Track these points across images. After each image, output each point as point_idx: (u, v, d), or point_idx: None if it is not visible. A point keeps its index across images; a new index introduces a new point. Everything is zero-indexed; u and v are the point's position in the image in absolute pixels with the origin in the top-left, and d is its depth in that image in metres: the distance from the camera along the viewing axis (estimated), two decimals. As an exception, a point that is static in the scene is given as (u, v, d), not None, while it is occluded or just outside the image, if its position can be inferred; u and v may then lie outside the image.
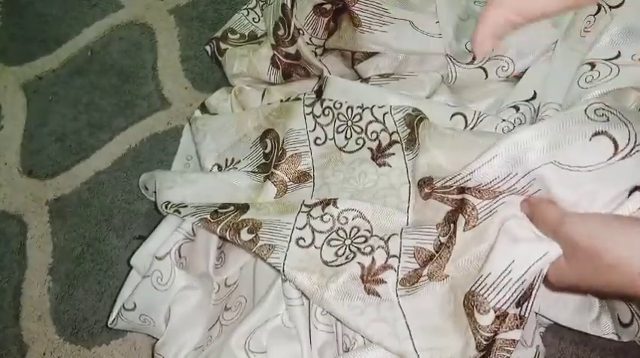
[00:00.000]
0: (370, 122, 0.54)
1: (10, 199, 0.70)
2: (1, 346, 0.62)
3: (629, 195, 0.37)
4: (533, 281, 0.39)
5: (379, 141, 0.54)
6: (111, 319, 0.53)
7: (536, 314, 0.50)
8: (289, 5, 0.62)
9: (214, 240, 0.55)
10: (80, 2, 0.84)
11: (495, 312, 0.39)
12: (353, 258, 0.47)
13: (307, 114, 0.57)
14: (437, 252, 0.45)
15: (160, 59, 0.77)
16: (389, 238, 0.48)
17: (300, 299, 0.49)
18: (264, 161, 0.61)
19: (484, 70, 0.58)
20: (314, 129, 0.57)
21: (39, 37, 0.82)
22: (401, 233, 0.48)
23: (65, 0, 0.84)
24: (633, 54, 0.50)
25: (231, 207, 0.52)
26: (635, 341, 0.47)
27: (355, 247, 0.48)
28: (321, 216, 0.50)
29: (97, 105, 0.75)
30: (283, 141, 0.57)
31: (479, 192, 0.43)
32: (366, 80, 0.61)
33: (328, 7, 0.62)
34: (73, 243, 0.66)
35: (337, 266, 0.47)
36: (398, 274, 0.46)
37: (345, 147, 0.56)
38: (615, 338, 0.48)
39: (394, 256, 0.46)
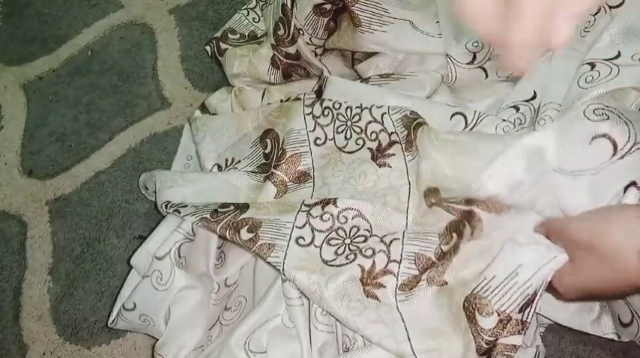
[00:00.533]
0: (369, 122, 0.54)
1: (10, 199, 0.71)
2: (1, 346, 0.62)
3: (625, 190, 0.37)
4: (539, 286, 0.39)
5: (379, 141, 0.54)
6: (111, 319, 0.53)
7: (537, 314, 0.50)
8: (289, 5, 0.62)
9: (214, 240, 0.55)
10: (80, 2, 0.84)
11: (499, 315, 0.39)
12: (354, 259, 0.47)
13: (307, 114, 0.57)
14: (438, 260, 0.45)
15: (160, 59, 0.77)
16: (391, 242, 0.48)
17: (300, 299, 0.49)
18: (264, 161, 0.61)
19: (484, 70, 0.58)
20: (314, 130, 0.57)
21: (39, 37, 0.82)
22: (403, 238, 0.48)
23: (65, 0, 0.84)
24: (633, 54, 0.50)
25: (231, 207, 0.52)
26: (635, 341, 0.47)
27: (355, 246, 0.48)
28: (321, 216, 0.50)
29: (97, 105, 0.75)
30: (283, 142, 0.57)
31: (486, 205, 0.43)
32: (366, 80, 0.61)
33: (328, 7, 0.62)
34: (73, 243, 0.66)
35: (337, 266, 0.47)
36: (397, 279, 0.46)
37: (345, 147, 0.56)
38: (615, 338, 0.48)
39: (395, 261, 0.46)
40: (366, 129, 0.54)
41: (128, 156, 0.71)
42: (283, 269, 0.47)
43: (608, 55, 0.51)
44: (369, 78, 0.61)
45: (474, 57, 0.58)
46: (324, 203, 0.50)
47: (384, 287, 0.45)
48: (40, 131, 0.75)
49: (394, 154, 0.52)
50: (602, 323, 0.48)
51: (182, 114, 0.73)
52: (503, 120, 0.52)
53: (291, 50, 0.64)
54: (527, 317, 0.39)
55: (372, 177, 0.53)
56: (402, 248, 0.47)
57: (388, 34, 0.59)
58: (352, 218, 0.50)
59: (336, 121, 0.56)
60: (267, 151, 0.60)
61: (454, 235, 0.45)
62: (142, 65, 0.77)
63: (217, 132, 0.64)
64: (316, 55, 0.66)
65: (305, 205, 0.51)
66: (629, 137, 0.36)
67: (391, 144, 0.53)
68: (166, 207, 0.54)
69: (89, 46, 0.80)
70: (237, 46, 0.71)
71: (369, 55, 0.62)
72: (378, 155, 0.54)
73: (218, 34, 0.72)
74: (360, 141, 0.55)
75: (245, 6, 0.74)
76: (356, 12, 0.59)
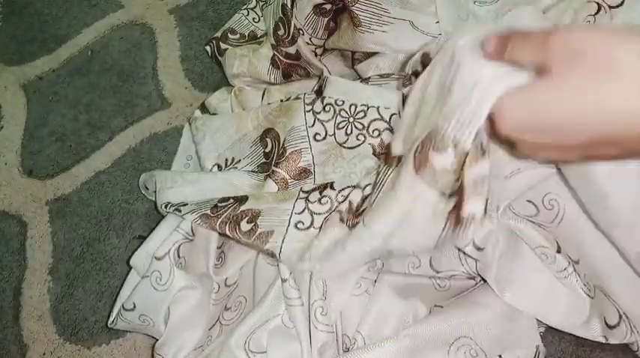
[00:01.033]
0: (374, 120, 0.54)
1: (10, 199, 0.71)
2: (1, 346, 0.62)
3: None
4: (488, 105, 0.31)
5: (381, 139, 0.54)
6: (111, 319, 0.53)
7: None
8: (289, 5, 0.62)
9: (214, 239, 0.55)
10: (80, 2, 0.84)
11: (455, 147, 0.34)
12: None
13: (307, 111, 0.58)
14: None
15: (160, 59, 0.77)
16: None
17: (299, 299, 0.49)
18: (264, 160, 0.61)
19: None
20: (313, 125, 0.57)
21: (39, 37, 0.82)
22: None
23: (65, 0, 0.84)
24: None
25: (231, 200, 0.52)
26: (629, 346, 0.47)
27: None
28: (319, 199, 0.50)
29: (97, 105, 0.75)
30: (285, 140, 0.57)
31: None
32: (366, 80, 0.61)
33: (328, 7, 0.62)
34: (73, 243, 0.66)
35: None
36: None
37: (345, 143, 0.56)
38: (604, 340, 0.47)
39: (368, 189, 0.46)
40: (368, 127, 0.54)
41: (128, 156, 0.71)
42: (280, 252, 0.47)
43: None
44: (369, 78, 0.61)
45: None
46: (322, 188, 0.51)
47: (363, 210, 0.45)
48: (40, 131, 0.75)
49: None
50: (591, 325, 0.48)
51: (182, 114, 0.73)
52: None
53: (291, 50, 0.64)
54: (482, 141, 0.34)
55: (373, 171, 0.53)
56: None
57: (388, 34, 0.60)
58: (349, 194, 0.50)
59: (338, 117, 0.56)
60: (267, 150, 0.60)
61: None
62: (142, 65, 0.77)
63: (217, 131, 0.64)
64: (316, 55, 0.66)
65: (303, 192, 0.52)
66: None
67: None
68: (166, 208, 0.54)
69: (89, 46, 0.80)
70: (237, 46, 0.71)
71: (369, 55, 0.62)
72: (380, 151, 0.54)
73: (218, 34, 0.72)
74: (362, 137, 0.55)
75: (245, 6, 0.74)
76: (356, 12, 0.59)
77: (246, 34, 0.72)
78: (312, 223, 0.49)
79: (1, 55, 0.81)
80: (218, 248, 0.57)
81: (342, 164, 0.55)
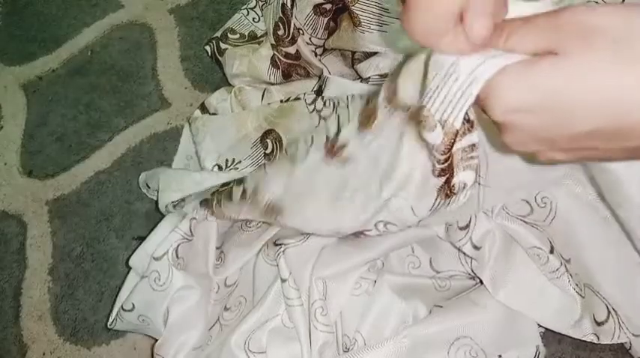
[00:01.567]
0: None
1: (10, 199, 0.71)
2: (1, 346, 0.62)
3: None
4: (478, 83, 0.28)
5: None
6: (110, 320, 0.53)
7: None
8: (289, 5, 0.62)
9: (213, 240, 0.55)
10: (80, 2, 0.84)
11: (442, 127, 0.32)
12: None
13: (311, 112, 0.57)
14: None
15: (159, 59, 0.77)
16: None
17: (299, 300, 0.49)
18: (265, 162, 0.61)
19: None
20: (318, 125, 0.57)
21: (39, 37, 0.82)
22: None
23: (65, 0, 0.84)
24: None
25: (231, 184, 0.52)
26: (624, 345, 0.47)
27: None
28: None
29: (97, 105, 0.75)
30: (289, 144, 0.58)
31: None
32: (366, 80, 0.61)
33: (328, 7, 0.62)
34: (73, 243, 0.66)
35: None
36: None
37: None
38: (595, 339, 0.47)
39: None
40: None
41: (128, 156, 0.71)
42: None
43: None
44: (369, 78, 0.61)
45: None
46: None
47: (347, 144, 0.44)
48: (40, 131, 0.75)
49: None
50: (582, 325, 0.48)
51: (182, 114, 0.73)
52: None
53: (291, 50, 0.64)
54: (468, 116, 0.32)
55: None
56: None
57: (388, 34, 0.59)
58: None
59: (337, 109, 0.56)
60: (268, 151, 0.60)
61: None
62: (141, 65, 0.77)
63: (217, 132, 0.64)
64: (316, 54, 0.66)
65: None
66: None
67: None
68: (167, 208, 0.54)
69: (89, 46, 0.80)
70: (237, 45, 0.71)
71: (369, 55, 0.62)
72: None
73: (218, 34, 0.72)
74: None
75: (245, 6, 0.74)
76: (356, 12, 0.59)
77: (246, 34, 0.72)
78: None
79: (1, 55, 0.81)
80: (217, 248, 0.57)
81: None
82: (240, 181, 0.51)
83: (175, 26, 0.79)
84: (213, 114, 0.69)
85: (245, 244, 0.56)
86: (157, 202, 0.67)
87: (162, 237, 0.52)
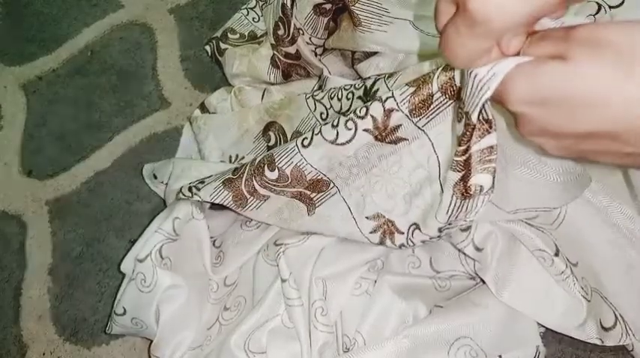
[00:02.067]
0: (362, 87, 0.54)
1: (10, 199, 0.71)
2: (1, 346, 0.62)
3: None
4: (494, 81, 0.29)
5: (365, 86, 0.53)
6: (108, 326, 0.54)
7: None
8: (289, 5, 0.62)
9: (206, 238, 0.55)
10: (80, 2, 0.84)
11: (465, 118, 0.34)
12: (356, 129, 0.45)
13: (307, 98, 0.58)
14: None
15: (159, 59, 0.77)
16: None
17: (299, 300, 0.49)
18: None
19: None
20: (315, 109, 0.57)
21: (39, 37, 0.82)
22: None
23: (65, 0, 0.84)
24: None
25: (249, 161, 0.52)
26: (625, 346, 0.47)
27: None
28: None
29: (97, 105, 0.75)
30: (297, 132, 0.57)
31: None
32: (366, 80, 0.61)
33: (328, 6, 0.62)
34: (73, 243, 0.66)
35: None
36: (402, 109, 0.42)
37: (340, 110, 0.55)
38: (599, 342, 0.47)
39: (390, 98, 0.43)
40: (354, 85, 0.54)
41: (128, 156, 0.71)
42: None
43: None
44: (369, 78, 0.61)
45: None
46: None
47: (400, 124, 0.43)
48: (40, 131, 0.75)
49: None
50: (586, 328, 0.48)
51: (182, 114, 0.73)
52: None
53: (291, 50, 0.64)
54: (487, 115, 0.34)
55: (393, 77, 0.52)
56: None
57: (388, 34, 0.59)
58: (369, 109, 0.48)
59: (331, 90, 0.56)
60: (270, 144, 0.60)
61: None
62: (141, 65, 0.77)
63: (220, 129, 0.64)
64: (316, 54, 0.66)
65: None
66: None
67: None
68: (185, 190, 0.53)
69: (89, 46, 0.80)
70: (237, 45, 0.71)
71: (369, 54, 0.62)
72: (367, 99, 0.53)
73: (218, 34, 0.72)
74: (350, 95, 0.54)
75: (245, 6, 0.74)
76: (356, 12, 0.59)
77: (246, 33, 0.72)
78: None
79: (1, 55, 0.81)
80: (217, 247, 0.57)
81: None
82: (268, 161, 0.49)
83: (175, 26, 0.79)
84: (213, 113, 0.69)
85: (245, 243, 0.56)
86: (156, 202, 0.67)
87: (146, 239, 0.52)
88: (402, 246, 0.48)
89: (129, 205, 0.68)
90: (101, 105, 0.75)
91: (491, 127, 0.34)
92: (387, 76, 0.51)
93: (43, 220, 0.68)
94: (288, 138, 0.60)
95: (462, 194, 0.38)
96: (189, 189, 0.52)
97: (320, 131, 0.46)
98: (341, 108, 0.55)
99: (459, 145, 0.36)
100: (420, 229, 0.46)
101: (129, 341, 0.60)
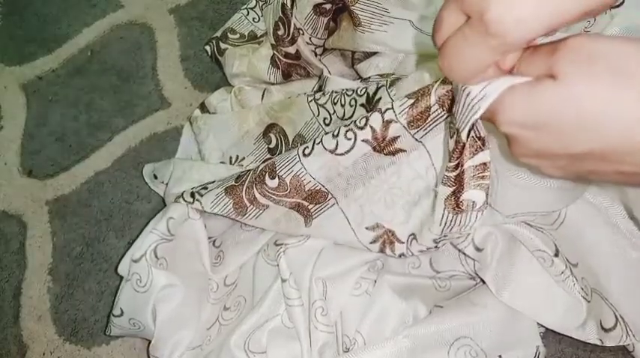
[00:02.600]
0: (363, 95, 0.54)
1: (10, 199, 0.71)
2: (1, 346, 0.62)
3: None
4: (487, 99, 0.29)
5: (367, 94, 0.53)
6: (107, 328, 0.54)
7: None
8: (289, 5, 0.62)
9: (203, 238, 0.55)
10: (80, 2, 0.84)
11: (456, 135, 0.34)
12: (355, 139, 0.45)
13: (310, 101, 0.58)
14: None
15: (159, 59, 0.77)
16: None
17: (299, 300, 0.49)
18: (268, 156, 0.61)
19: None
20: (319, 114, 0.57)
21: (39, 37, 0.82)
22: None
23: (65, 0, 0.84)
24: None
25: (252, 167, 0.52)
26: (626, 346, 0.47)
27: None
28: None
29: (97, 105, 0.75)
30: (299, 136, 0.57)
31: None
32: (366, 80, 0.61)
33: (328, 6, 0.62)
34: (73, 243, 0.66)
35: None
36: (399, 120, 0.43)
37: (343, 116, 0.55)
38: (599, 343, 0.47)
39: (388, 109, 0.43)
40: (356, 91, 0.54)
41: (128, 156, 0.71)
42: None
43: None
44: (369, 78, 0.61)
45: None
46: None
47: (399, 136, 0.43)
48: (40, 131, 0.75)
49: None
50: (586, 328, 0.48)
51: (182, 114, 0.73)
52: None
53: (291, 50, 0.64)
54: (480, 132, 0.34)
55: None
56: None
57: (388, 34, 0.59)
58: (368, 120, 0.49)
59: (333, 93, 0.56)
60: (271, 146, 0.60)
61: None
62: (141, 65, 0.77)
63: (220, 130, 0.64)
64: (316, 54, 0.66)
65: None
66: None
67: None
68: (187, 196, 0.53)
69: (89, 46, 0.80)
70: (237, 45, 0.71)
71: (369, 55, 0.62)
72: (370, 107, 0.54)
73: (218, 34, 0.72)
74: (353, 102, 0.54)
75: (245, 6, 0.74)
76: (356, 12, 0.59)
77: (246, 33, 0.72)
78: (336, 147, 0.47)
79: (1, 55, 0.81)
80: (217, 247, 0.57)
81: None
82: (270, 168, 0.50)
83: (175, 26, 0.79)
84: (213, 113, 0.69)
85: (244, 243, 0.56)
86: (156, 202, 0.67)
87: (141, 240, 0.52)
88: (401, 255, 0.49)
89: (129, 205, 0.68)
90: (101, 105, 0.75)
91: (484, 144, 0.34)
92: (388, 83, 0.51)
93: (43, 220, 0.68)
94: (290, 141, 0.60)
95: (454, 208, 0.38)
96: (192, 194, 0.52)
97: (321, 141, 0.46)
98: (344, 115, 0.55)
99: (450, 161, 0.36)
100: (417, 240, 0.46)
101: (129, 341, 0.60)
